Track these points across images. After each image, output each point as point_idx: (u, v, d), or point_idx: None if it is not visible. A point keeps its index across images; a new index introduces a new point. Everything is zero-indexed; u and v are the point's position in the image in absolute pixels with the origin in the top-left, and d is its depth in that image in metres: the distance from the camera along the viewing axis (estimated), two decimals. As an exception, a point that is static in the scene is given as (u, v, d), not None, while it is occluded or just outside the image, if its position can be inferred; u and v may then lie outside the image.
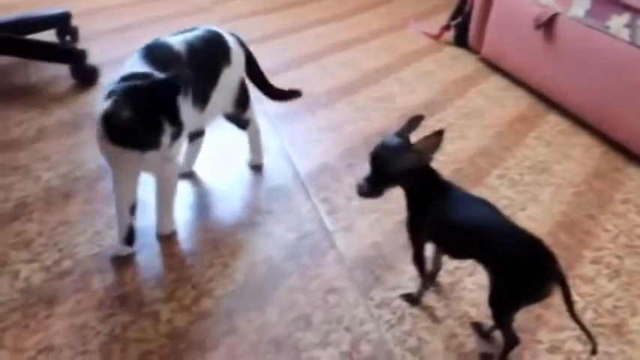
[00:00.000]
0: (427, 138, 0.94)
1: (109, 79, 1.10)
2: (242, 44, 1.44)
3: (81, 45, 2.22)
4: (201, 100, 1.26)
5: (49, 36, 2.24)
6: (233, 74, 1.36)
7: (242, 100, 1.43)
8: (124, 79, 1.07)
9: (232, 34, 1.41)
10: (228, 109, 1.41)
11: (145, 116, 1.01)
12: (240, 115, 1.46)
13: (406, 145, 0.96)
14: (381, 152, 0.98)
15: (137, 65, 1.13)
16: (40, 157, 1.55)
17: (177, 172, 1.29)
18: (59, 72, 2.04)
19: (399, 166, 0.97)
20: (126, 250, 1.23)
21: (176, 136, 1.07)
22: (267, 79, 1.53)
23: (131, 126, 1.00)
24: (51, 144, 1.62)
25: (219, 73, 1.32)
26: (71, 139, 1.65)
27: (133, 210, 1.22)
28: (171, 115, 1.05)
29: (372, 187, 0.99)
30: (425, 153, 0.96)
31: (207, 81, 1.29)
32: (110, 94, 1.02)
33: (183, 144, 1.29)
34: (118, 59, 2.16)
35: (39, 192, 1.42)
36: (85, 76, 1.98)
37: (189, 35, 1.29)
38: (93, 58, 2.03)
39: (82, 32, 2.37)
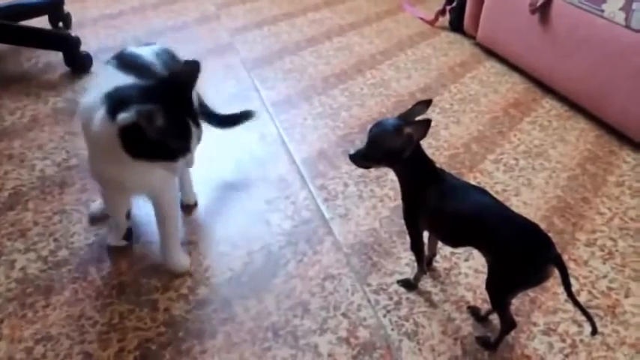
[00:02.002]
0: (416, 125, 0.95)
1: (85, 99, 0.98)
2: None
3: (74, 32, 2.19)
4: None
5: (41, 22, 2.21)
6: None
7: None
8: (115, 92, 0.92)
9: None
10: None
11: (174, 120, 0.88)
12: None
13: (398, 128, 0.96)
14: (374, 129, 1.00)
15: (118, 77, 0.98)
16: (34, 146, 1.54)
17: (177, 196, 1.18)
18: (52, 59, 2.01)
19: (384, 147, 0.98)
20: (123, 243, 1.22)
21: (200, 137, 0.95)
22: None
23: (162, 134, 0.86)
24: (45, 132, 1.61)
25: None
26: (66, 127, 1.63)
27: (128, 215, 1.20)
28: (192, 113, 0.93)
29: (361, 159, 1.03)
30: (412, 139, 0.96)
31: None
32: (118, 104, 0.87)
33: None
34: (111, 46, 2.14)
35: (34, 181, 1.41)
36: (79, 64, 1.96)
37: (153, 48, 1.14)
38: (86, 45, 2.01)
39: (75, 19, 2.34)
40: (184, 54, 2.17)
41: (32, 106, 1.74)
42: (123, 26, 2.36)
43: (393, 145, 0.97)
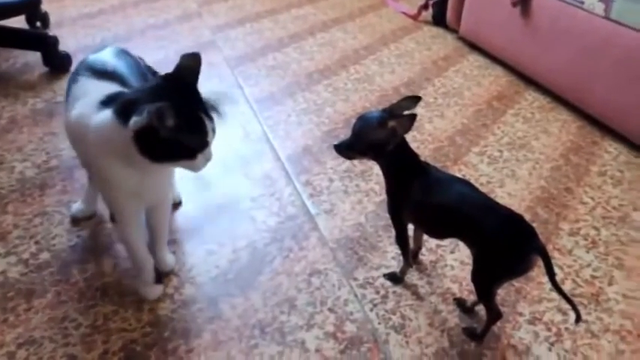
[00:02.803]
0: (401, 118, 0.95)
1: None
2: None
3: (52, 31, 2.16)
4: None
5: (18, 23, 2.17)
6: None
7: None
8: (109, 100, 0.90)
9: None
10: None
11: (186, 116, 0.85)
12: None
13: (382, 121, 0.96)
14: (357, 122, 1.01)
15: (98, 86, 0.97)
16: (13, 148, 1.51)
17: None
18: (30, 59, 1.98)
19: (368, 139, 0.99)
20: (158, 290, 1.12)
21: (214, 129, 0.92)
22: None
23: (176, 132, 0.83)
24: (24, 134, 1.58)
25: None
26: (45, 128, 1.61)
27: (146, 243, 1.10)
28: (202, 106, 0.90)
29: (345, 150, 1.03)
30: (396, 132, 0.96)
31: None
32: (127, 109, 0.84)
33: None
34: (90, 46, 2.11)
35: (13, 183, 1.38)
36: (58, 64, 1.93)
37: (110, 50, 1.10)
38: (65, 45, 1.98)
39: (53, 18, 2.30)
40: (167, 52, 2.15)
41: (10, 107, 1.71)
42: (103, 25, 2.33)
43: (377, 138, 0.97)
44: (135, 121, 0.81)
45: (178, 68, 0.90)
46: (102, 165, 0.92)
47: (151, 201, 1.04)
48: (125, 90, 0.95)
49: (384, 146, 0.98)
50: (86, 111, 0.91)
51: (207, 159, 0.92)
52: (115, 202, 1.00)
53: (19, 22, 2.17)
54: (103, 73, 1.00)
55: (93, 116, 0.90)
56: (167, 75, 0.90)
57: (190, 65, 0.90)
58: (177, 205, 1.35)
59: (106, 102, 0.90)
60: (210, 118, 0.90)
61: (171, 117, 0.81)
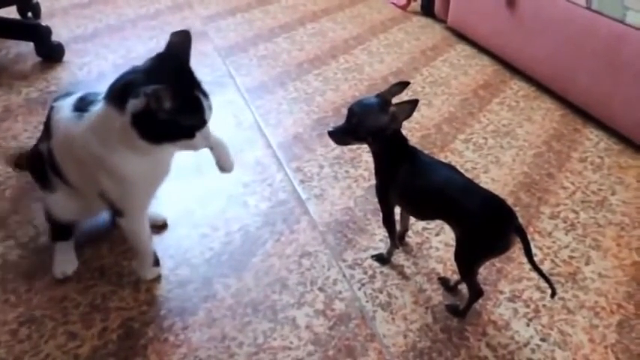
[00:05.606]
0: (402, 104, 0.98)
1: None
2: None
3: (44, 22, 2.17)
4: None
5: (9, 13, 2.18)
6: None
7: None
8: (81, 102, 0.95)
9: None
10: None
11: (182, 95, 0.85)
12: None
13: (381, 107, 1.00)
14: (356, 108, 1.03)
15: (70, 100, 1.00)
16: (9, 136, 1.54)
17: None
18: (23, 49, 2.00)
19: (369, 124, 1.01)
20: (156, 271, 1.15)
21: (211, 107, 0.92)
22: None
23: (174, 112, 0.83)
24: (19, 122, 1.60)
25: None
26: (39, 117, 1.63)
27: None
28: (197, 84, 0.90)
29: (341, 136, 1.05)
30: (397, 117, 1.00)
31: None
32: (121, 93, 0.84)
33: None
34: (81, 36, 2.13)
35: (10, 170, 1.41)
36: (51, 53, 1.95)
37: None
38: (57, 35, 2.00)
39: (44, 8, 2.31)
40: (158, 42, 2.17)
41: (5, 96, 1.73)
42: (94, 15, 2.34)
43: (378, 123, 1.00)
44: (133, 103, 0.82)
45: (169, 46, 0.90)
46: (109, 160, 0.91)
47: (160, 185, 1.05)
48: (90, 92, 0.97)
49: (384, 131, 1.01)
50: (69, 123, 0.94)
51: (206, 137, 0.93)
52: (130, 197, 0.99)
53: (10, 12, 2.18)
54: (71, 93, 1.03)
55: (76, 123, 0.92)
56: (159, 54, 0.90)
57: (181, 42, 0.90)
58: (161, 227, 1.29)
59: (79, 104, 0.94)
60: (206, 96, 0.90)
61: (168, 98, 0.81)
